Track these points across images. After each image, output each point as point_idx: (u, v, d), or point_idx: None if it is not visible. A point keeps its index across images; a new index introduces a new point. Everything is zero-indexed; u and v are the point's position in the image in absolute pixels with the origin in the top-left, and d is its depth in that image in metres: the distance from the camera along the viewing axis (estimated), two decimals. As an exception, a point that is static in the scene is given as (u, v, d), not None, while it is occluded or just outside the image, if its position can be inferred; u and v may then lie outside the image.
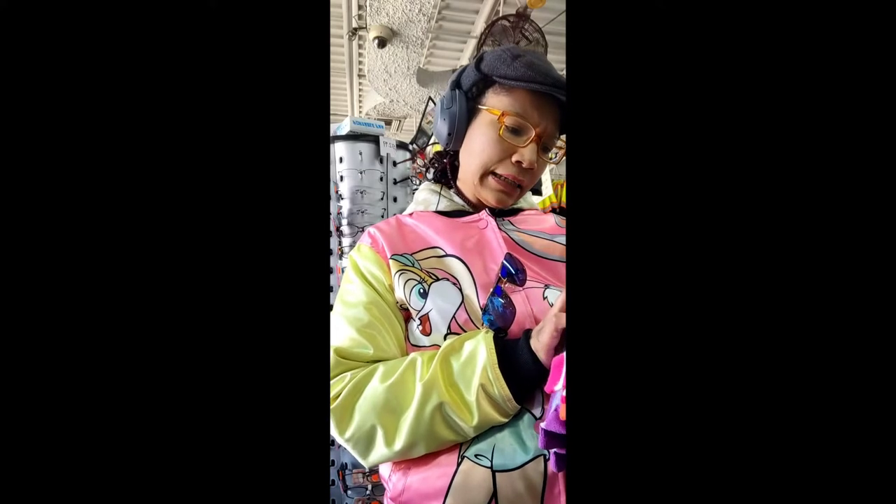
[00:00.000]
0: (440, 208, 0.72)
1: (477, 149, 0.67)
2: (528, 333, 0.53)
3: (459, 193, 0.74)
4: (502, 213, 0.72)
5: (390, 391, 0.54)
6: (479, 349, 0.53)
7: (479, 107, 0.68)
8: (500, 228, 0.67)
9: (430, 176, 0.78)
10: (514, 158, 0.65)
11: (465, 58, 3.42)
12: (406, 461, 0.56)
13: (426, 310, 0.59)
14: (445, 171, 0.75)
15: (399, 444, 0.53)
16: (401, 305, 0.63)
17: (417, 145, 1.86)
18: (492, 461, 0.51)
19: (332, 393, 0.56)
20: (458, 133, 0.69)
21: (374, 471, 1.50)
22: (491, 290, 0.56)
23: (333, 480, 1.51)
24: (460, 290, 0.60)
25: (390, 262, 0.63)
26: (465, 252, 0.64)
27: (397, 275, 0.62)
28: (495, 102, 0.66)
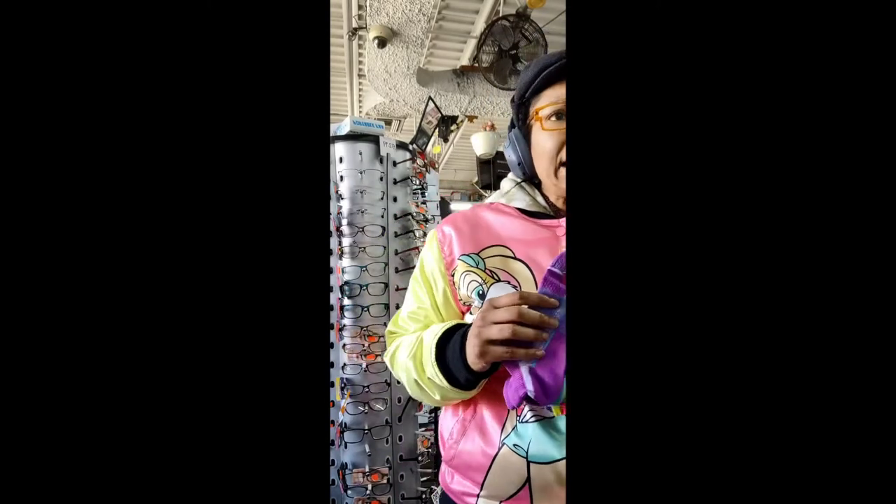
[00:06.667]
0: (522, 206, 0.74)
1: (538, 152, 0.70)
2: (466, 332, 0.60)
3: (544, 196, 0.76)
4: None
5: (396, 360, 0.73)
6: (430, 345, 0.65)
7: (527, 122, 0.73)
8: None
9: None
10: None
11: (464, 58, 3.41)
12: (458, 433, 0.67)
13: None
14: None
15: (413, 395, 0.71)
16: (463, 301, 0.70)
17: (417, 145, 1.86)
18: (527, 452, 0.59)
19: (390, 344, 0.77)
20: (524, 158, 0.73)
21: (374, 470, 1.50)
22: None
23: (333, 480, 1.51)
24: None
25: (458, 262, 0.70)
26: (534, 257, 0.67)
27: (463, 275, 0.68)
28: (533, 111, 0.70)
